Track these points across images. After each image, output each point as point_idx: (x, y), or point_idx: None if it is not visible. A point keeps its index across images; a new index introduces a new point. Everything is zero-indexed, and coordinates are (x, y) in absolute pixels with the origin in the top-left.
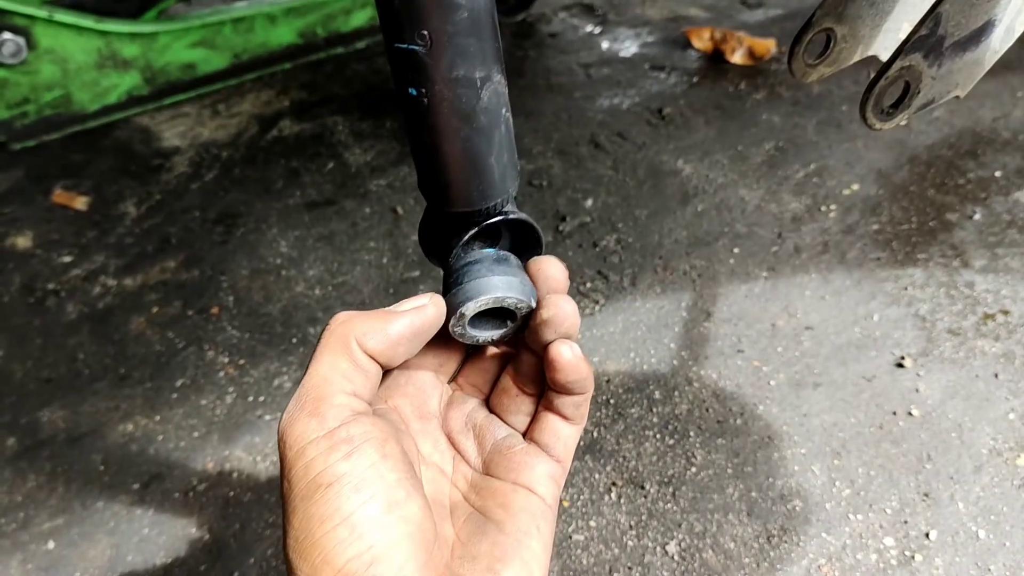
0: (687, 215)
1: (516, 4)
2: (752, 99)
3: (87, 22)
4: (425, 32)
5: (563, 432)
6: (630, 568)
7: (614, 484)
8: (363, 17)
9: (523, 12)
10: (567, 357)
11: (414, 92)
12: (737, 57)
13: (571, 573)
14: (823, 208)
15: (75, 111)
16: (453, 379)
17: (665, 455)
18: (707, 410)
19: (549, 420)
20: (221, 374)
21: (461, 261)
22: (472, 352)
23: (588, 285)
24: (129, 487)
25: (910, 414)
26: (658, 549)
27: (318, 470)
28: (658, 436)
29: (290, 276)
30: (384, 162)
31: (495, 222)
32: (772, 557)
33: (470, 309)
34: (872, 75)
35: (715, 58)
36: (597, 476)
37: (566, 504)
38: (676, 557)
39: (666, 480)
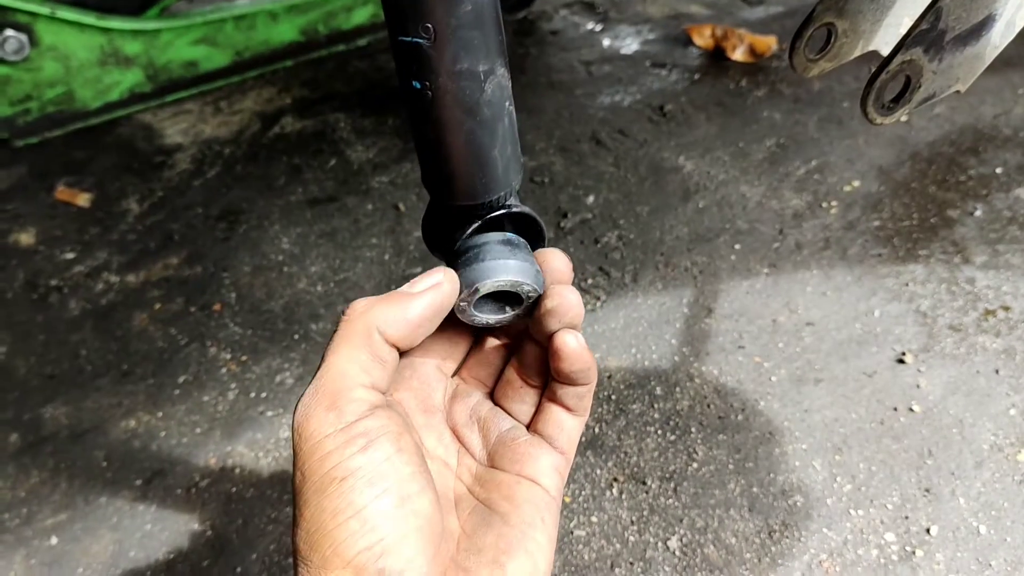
0: (688, 212)
1: (517, 2)
2: (753, 96)
3: (89, 19)
4: (429, 25)
5: (567, 424)
6: (632, 563)
7: (615, 480)
8: (365, 14)
9: (524, 9)
10: (572, 346)
11: (418, 85)
12: (738, 54)
13: (573, 568)
14: (824, 204)
15: (77, 108)
16: (457, 372)
17: (666, 451)
18: (708, 406)
19: (553, 412)
20: (223, 370)
21: (474, 240)
22: (476, 345)
23: (589, 281)
24: (132, 483)
25: (911, 410)
26: (659, 544)
27: (334, 463)
28: (659, 432)
29: (292, 273)
30: (386, 159)
31: (498, 215)
32: (773, 552)
33: (487, 286)
34: (873, 70)
35: (716, 55)
36: (598, 472)
37: (567, 500)
38: (677, 552)
39: (667, 476)
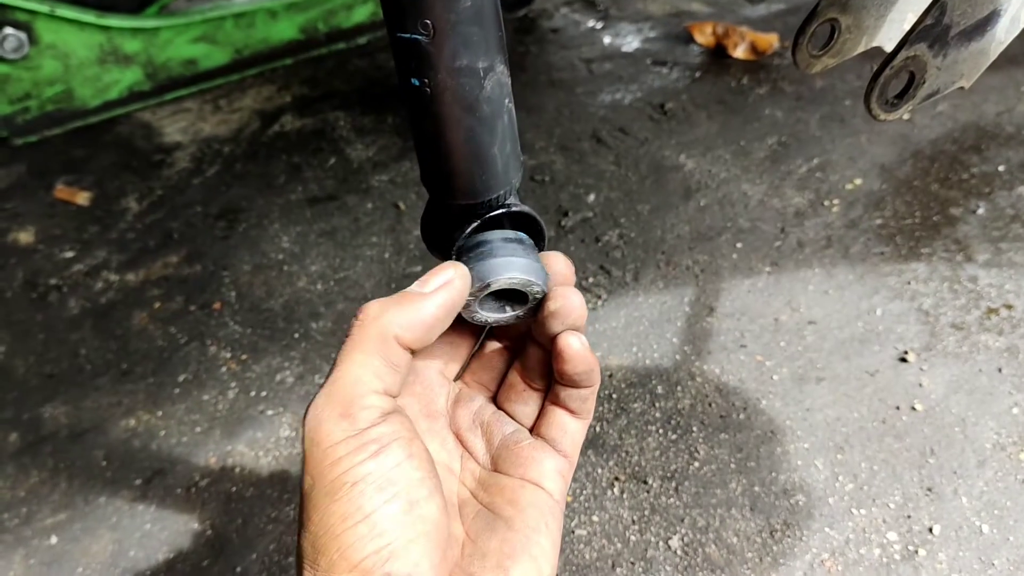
0: (690, 210)
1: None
2: (755, 94)
3: (89, 17)
4: (428, 21)
5: (570, 427)
6: (633, 563)
7: (617, 479)
8: (364, 12)
9: (525, 7)
10: (575, 348)
11: (416, 82)
12: (739, 52)
13: (574, 568)
14: (826, 203)
15: (77, 106)
16: (459, 376)
17: (668, 450)
18: (710, 405)
19: (556, 415)
20: (223, 369)
21: (480, 237)
22: (478, 349)
23: (590, 280)
24: (131, 483)
25: (913, 409)
26: (661, 544)
27: (345, 468)
28: (661, 431)
29: (292, 271)
30: (386, 157)
31: (498, 214)
32: (775, 552)
33: (499, 283)
34: (876, 66)
35: (717, 53)
36: (600, 471)
37: (569, 499)
38: (679, 552)
39: (669, 475)
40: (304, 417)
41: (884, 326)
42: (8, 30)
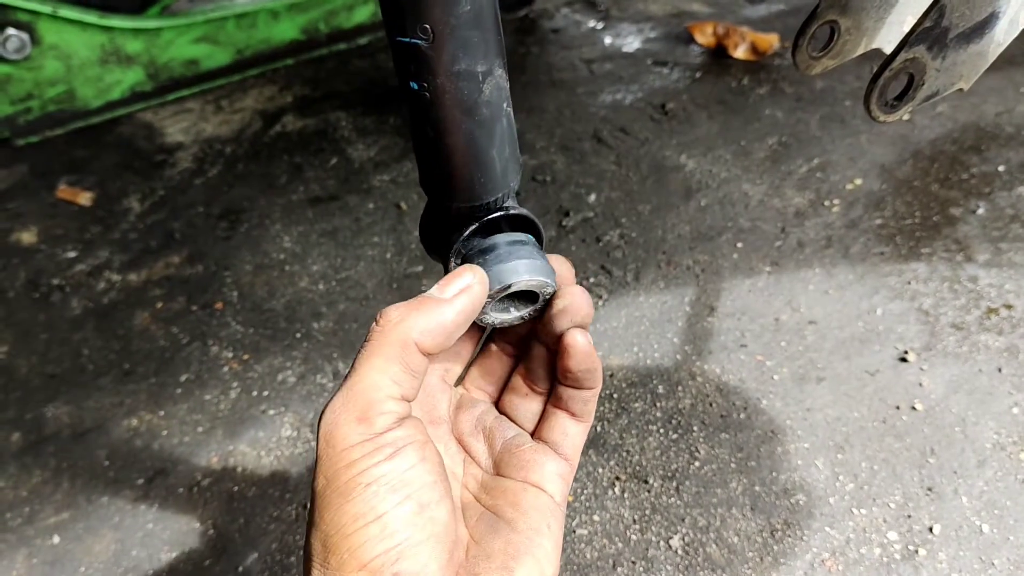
0: (690, 210)
1: (518, 0)
2: (755, 94)
3: (91, 17)
4: (427, 25)
5: (571, 430)
6: (633, 562)
7: (617, 479)
8: (365, 13)
9: (525, 8)
10: (581, 344)
11: (415, 86)
12: (740, 52)
13: (575, 567)
14: (826, 203)
15: (79, 107)
16: (460, 382)
17: (668, 449)
18: (711, 405)
19: (558, 418)
20: (225, 369)
21: (490, 240)
22: (479, 354)
23: (591, 280)
24: (133, 482)
25: (914, 408)
26: (661, 543)
27: (360, 470)
28: (662, 431)
29: (294, 271)
30: (387, 157)
31: (496, 217)
32: (776, 551)
33: (520, 284)
34: (876, 68)
35: (718, 53)
36: (601, 471)
37: (570, 499)
38: (680, 551)
39: (670, 474)
40: (320, 419)
41: (884, 326)
42: (10, 30)
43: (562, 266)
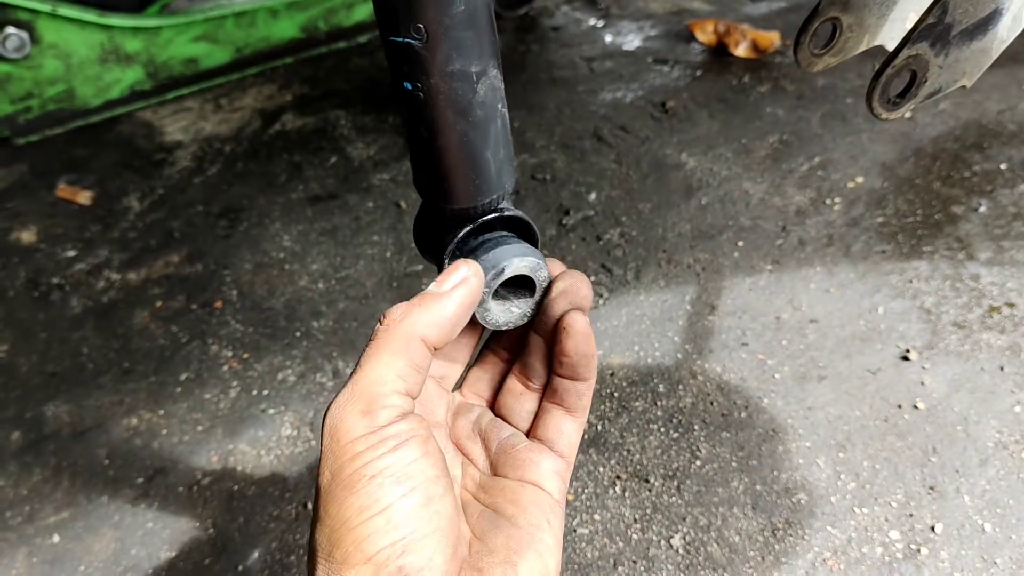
0: (691, 208)
1: None
2: (756, 92)
3: (90, 16)
4: (421, 25)
5: (566, 427)
6: (634, 562)
7: (618, 478)
8: (365, 11)
9: (525, 6)
10: (580, 324)
11: (409, 87)
12: (741, 50)
13: (575, 566)
14: (827, 201)
15: (78, 106)
16: (458, 387)
17: (669, 448)
18: (711, 403)
19: (552, 416)
20: (225, 368)
21: (480, 238)
22: (475, 362)
23: (592, 279)
24: (133, 481)
25: (915, 407)
26: (662, 543)
27: (364, 462)
28: (662, 429)
29: (293, 270)
30: (387, 156)
31: (491, 218)
32: (777, 550)
33: (513, 266)
34: (878, 65)
35: (719, 51)
36: (601, 470)
37: (570, 498)
38: (681, 551)
39: (670, 473)
40: (325, 414)
41: (886, 324)
42: (10, 29)
43: (558, 268)
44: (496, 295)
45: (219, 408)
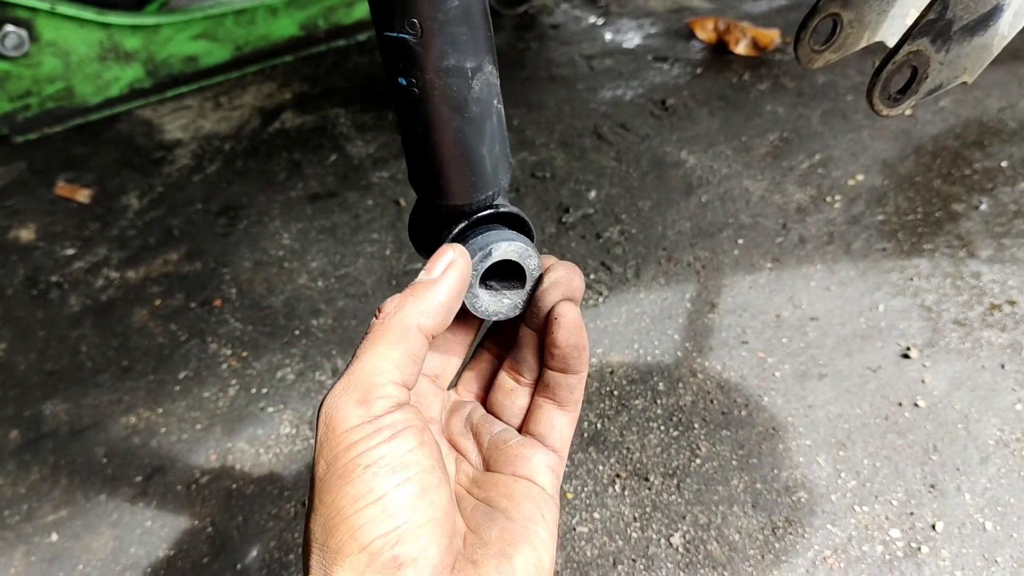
0: (691, 206)
1: None
2: (756, 90)
3: (89, 14)
4: (416, 20)
5: (557, 421)
6: (634, 560)
7: (618, 476)
8: (364, 9)
9: (525, 4)
10: (571, 315)
11: (404, 82)
12: (741, 48)
13: (575, 565)
14: (828, 199)
15: (77, 104)
16: (453, 387)
17: (669, 447)
18: (711, 401)
19: (544, 410)
20: (224, 366)
21: (476, 232)
22: (469, 361)
23: (592, 277)
24: (132, 479)
25: (916, 405)
26: (662, 541)
27: (359, 451)
28: (662, 428)
29: (292, 268)
30: (386, 154)
31: (487, 215)
32: (777, 549)
33: (500, 251)
34: (879, 61)
35: (719, 49)
36: (601, 468)
37: (570, 496)
38: (680, 549)
39: (670, 472)
40: (321, 404)
41: (886, 322)
42: (9, 27)
43: (550, 261)
44: (487, 286)
45: (218, 406)
